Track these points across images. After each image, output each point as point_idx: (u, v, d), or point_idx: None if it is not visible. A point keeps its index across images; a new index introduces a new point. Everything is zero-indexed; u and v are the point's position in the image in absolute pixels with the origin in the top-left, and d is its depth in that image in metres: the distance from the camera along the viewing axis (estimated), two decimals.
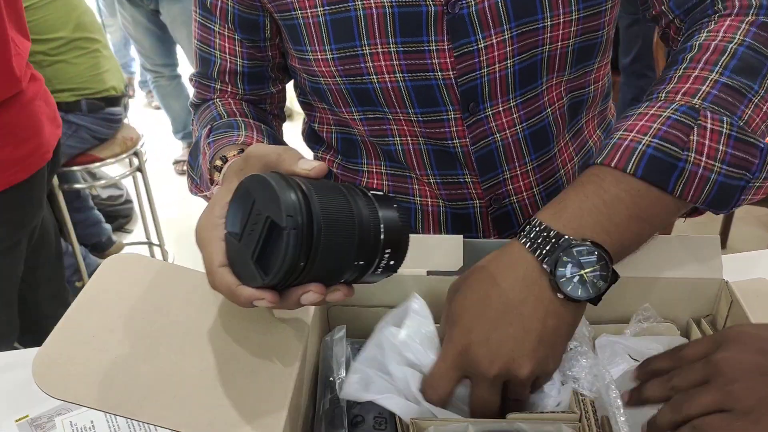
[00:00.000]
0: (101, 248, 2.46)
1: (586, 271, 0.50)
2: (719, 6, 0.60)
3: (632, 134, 0.52)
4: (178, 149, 3.24)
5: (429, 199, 0.77)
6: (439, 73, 0.66)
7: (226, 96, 0.79)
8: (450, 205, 0.77)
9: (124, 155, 2.17)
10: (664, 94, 0.54)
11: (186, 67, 3.07)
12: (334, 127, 0.78)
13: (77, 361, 0.44)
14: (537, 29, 0.65)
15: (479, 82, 0.67)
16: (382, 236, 0.44)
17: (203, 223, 0.48)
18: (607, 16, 0.68)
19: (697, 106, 0.52)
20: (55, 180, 2.03)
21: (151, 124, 3.50)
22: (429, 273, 0.61)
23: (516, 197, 0.77)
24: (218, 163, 0.64)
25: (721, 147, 0.51)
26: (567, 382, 0.54)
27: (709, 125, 0.51)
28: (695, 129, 0.51)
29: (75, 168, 2.12)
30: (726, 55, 0.55)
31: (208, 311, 0.51)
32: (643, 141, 0.51)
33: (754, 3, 0.58)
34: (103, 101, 2.13)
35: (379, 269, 0.46)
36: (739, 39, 0.56)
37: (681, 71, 0.56)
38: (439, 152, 0.73)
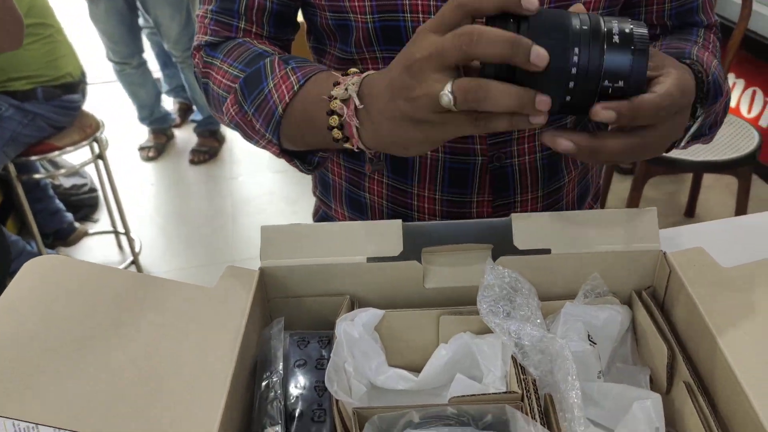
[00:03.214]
0: (63, 236, 2.43)
1: None
2: (702, 17, 0.78)
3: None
4: (143, 135, 3.18)
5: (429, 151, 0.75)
6: None
7: (251, 36, 0.74)
8: (451, 159, 0.75)
9: (83, 143, 2.12)
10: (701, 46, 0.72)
11: (149, 54, 3.01)
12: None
13: None
14: None
15: None
16: None
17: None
18: None
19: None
20: (14, 170, 1.99)
21: (114, 110, 3.43)
22: (369, 260, 0.60)
23: (518, 159, 0.76)
24: (354, 69, 0.58)
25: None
26: (516, 353, 0.54)
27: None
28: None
29: (33, 158, 2.07)
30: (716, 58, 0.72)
31: (137, 313, 0.50)
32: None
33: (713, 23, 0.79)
34: (60, 88, 2.08)
35: None
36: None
37: (701, 43, 0.73)
38: None
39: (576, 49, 0.46)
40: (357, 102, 0.54)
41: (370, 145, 0.56)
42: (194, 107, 3.17)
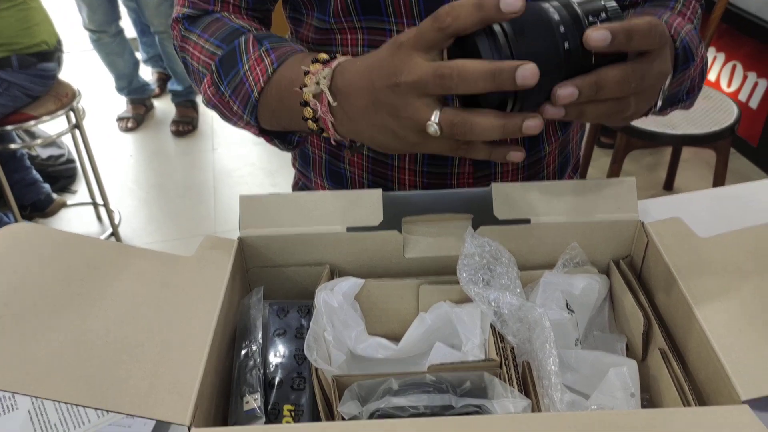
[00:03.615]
0: (41, 207, 2.40)
1: None
2: None
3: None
4: (122, 105, 3.13)
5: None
6: None
7: (229, 8, 0.73)
8: None
9: (60, 112, 2.08)
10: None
11: (125, 22, 2.95)
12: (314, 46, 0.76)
13: None
14: None
15: None
16: None
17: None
18: None
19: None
20: None
21: (91, 79, 3.37)
22: (349, 230, 0.60)
23: None
24: (323, 56, 0.57)
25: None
26: (495, 322, 0.55)
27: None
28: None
29: (9, 127, 2.03)
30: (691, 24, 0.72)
31: (113, 281, 0.49)
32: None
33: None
34: (35, 56, 2.04)
35: None
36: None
37: (678, 9, 0.72)
38: None
39: (566, 44, 0.46)
40: (330, 99, 0.54)
41: (347, 137, 0.56)
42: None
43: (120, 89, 3.05)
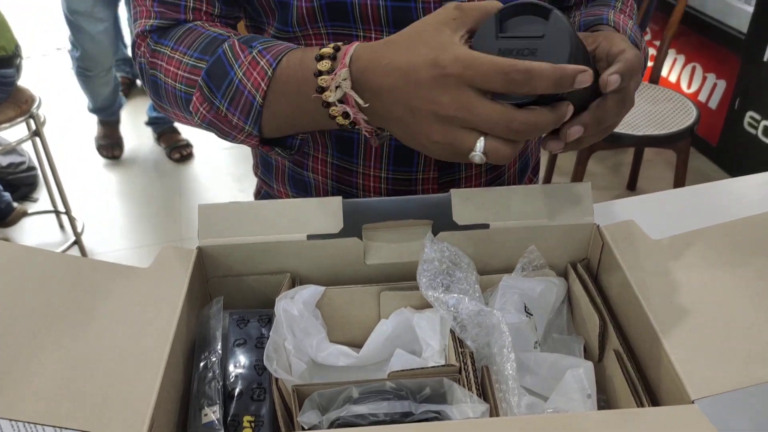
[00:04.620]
0: (1, 216, 2.35)
1: None
2: None
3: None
4: (83, 111, 3.07)
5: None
6: None
7: (201, 16, 0.68)
8: None
9: (19, 119, 2.04)
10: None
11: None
12: None
13: None
14: None
15: None
16: None
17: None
18: None
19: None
20: None
21: (52, 84, 3.31)
22: (309, 237, 0.60)
23: None
24: (327, 51, 0.55)
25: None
26: (454, 327, 0.55)
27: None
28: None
29: None
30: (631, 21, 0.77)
31: (67, 295, 0.49)
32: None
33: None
34: None
35: None
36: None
37: (618, 7, 0.76)
38: None
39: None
40: (360, 101, 0.53)
41: (381, 127, 0.57)
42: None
43: (94, 111, 2.89)
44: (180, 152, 2.88)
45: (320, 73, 0.54)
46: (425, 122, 0.50)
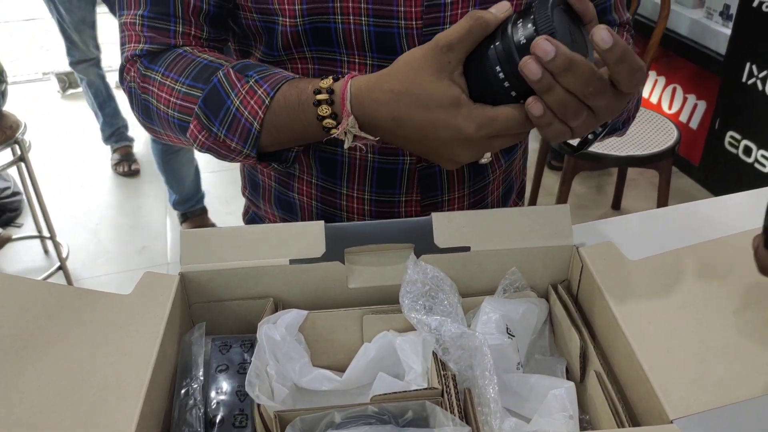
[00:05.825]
0: None
1: None
2: (615, 16, 0.80)
3: None
4: (69, 136, 3.06)
5: (357, 152, 0.76)
6: (403, 22, 0.66)
7: (190, 40, 0.70)
8: (380, 159, 0.76)
9: (3, 145, 2.03)
10: None
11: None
12: None
13: None
14: None
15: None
16: None
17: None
18: None
19: None
20: None
21: (37, 109, 3.30)
22: (292, 262, 0.60)
23: None
24: (323, 96, 0.59)
25: None
26: (437, 349, 0.55)
27: None
28: None
29: None
30: None
31: (47, 323, 0.49)
32: None
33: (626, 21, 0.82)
34: None
35: None
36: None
37: None
38: None
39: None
40: (372, 139, 0.59)
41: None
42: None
43: (107, 139, 2.92)
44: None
45: (322, 117, 0.60)
46: (438, 146, 0.56)
